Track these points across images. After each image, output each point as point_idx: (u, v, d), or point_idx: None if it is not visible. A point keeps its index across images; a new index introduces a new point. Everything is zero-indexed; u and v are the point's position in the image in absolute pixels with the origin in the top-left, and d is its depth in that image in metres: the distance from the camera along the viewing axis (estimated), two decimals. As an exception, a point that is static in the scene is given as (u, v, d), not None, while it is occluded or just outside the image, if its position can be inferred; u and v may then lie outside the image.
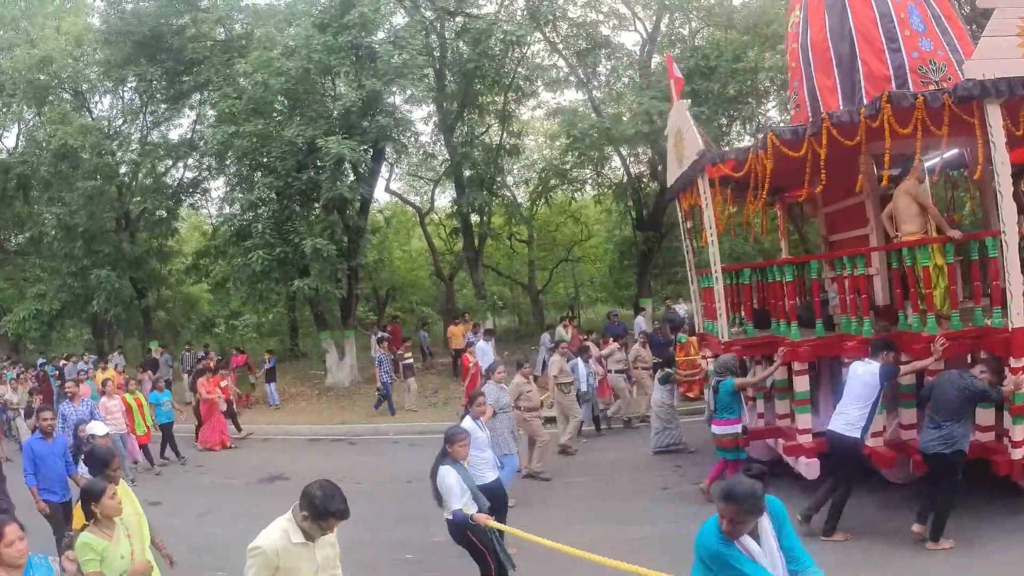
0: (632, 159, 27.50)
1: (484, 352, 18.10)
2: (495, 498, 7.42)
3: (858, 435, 7.81)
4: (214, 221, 29.34)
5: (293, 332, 30.70)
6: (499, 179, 26.90)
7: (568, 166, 26.76)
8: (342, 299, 23.80)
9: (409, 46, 20.85)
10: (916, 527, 7.42)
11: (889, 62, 9.81)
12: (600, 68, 25.95)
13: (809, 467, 8.99)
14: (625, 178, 27.56)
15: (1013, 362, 7.74)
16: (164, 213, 28.50)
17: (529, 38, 24.39)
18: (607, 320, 20.60)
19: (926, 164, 9.81)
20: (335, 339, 23.97)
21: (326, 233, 21.31)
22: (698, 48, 23.22)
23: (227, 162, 23.82)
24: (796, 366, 9.38)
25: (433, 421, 17.29)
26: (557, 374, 13.21)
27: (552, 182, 27.99)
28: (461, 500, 6.51)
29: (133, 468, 13.73)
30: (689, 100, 12.45)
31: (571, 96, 36.39)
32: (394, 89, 22.35)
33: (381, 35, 22.19)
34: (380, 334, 23.71)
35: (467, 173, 24.91)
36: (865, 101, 9.11)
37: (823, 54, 10.39)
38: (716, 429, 9.45)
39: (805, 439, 9.20)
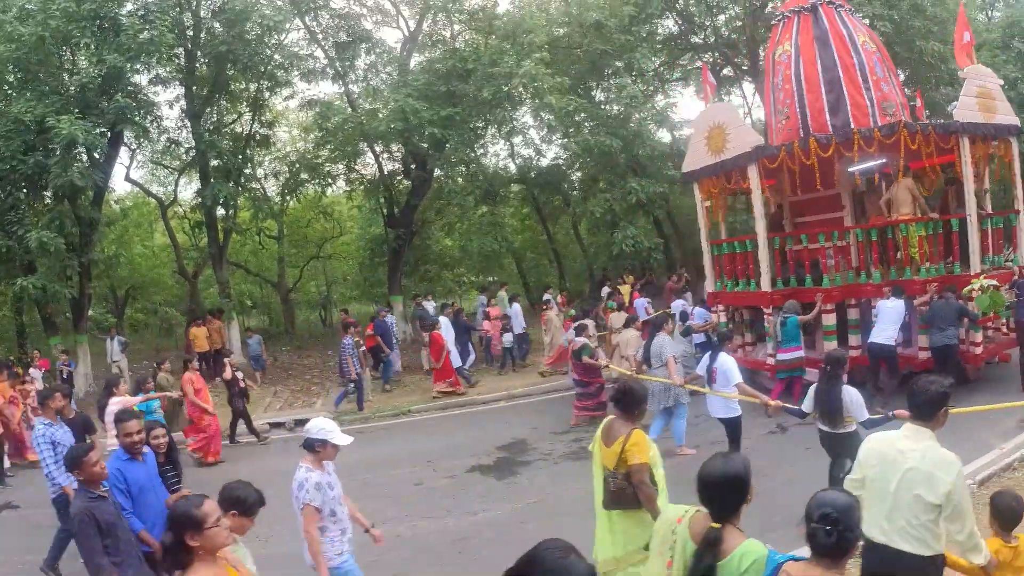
0: (386, 156, 27.29)
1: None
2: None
3: (893, 344, 11.95)
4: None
5: (21, 338, 27.61)
6: (248, 171, 25.68)
7: (321, 160, 26.22)
8: (73, 300, 21.53)
9: (159, 21, 19.20)
10: None
11: (865, 96, 13.52)
12: (359, 62, 25.62)
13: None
14: (378, 174, 27.27)
15: (975, 294, 11.97)
16: None
17: (288, 25, 23.53)
18: (377, 317, 20.05)
19: (860, 168, 14.12)
20: (67, 345, 21.78)
21: (55, 225, 19.20)
22: (457, 51, 23.38)
23: (-56, 140, 20.90)
24: (826, 307, 13.04)
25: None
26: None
27: (303, 176, 27.16)
28: None
29: None
30: (735, 103, 16.29)
31: (327, 88, 35.32)
32: (138, 67, 20.49)
33: (129, 6, 20.33)
34: (118, 337, 21.91)
35: (213, 163, 23.56)
36: (852, 123, 13.13)
37: (814, 81, 13.79)
38: (781, 356, 12.57)
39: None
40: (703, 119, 15.04)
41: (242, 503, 4.65)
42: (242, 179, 24.91)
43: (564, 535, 7.41)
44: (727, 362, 9.66)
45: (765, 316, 13.59)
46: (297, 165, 27.33)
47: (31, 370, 17.92)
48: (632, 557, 5.44)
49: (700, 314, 15.78)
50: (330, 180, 27.81)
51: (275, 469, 12.11)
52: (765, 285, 13.66)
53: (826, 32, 13.83)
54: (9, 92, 19.63)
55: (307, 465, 5.63)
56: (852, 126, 12.95)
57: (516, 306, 20.56)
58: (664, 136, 26.91)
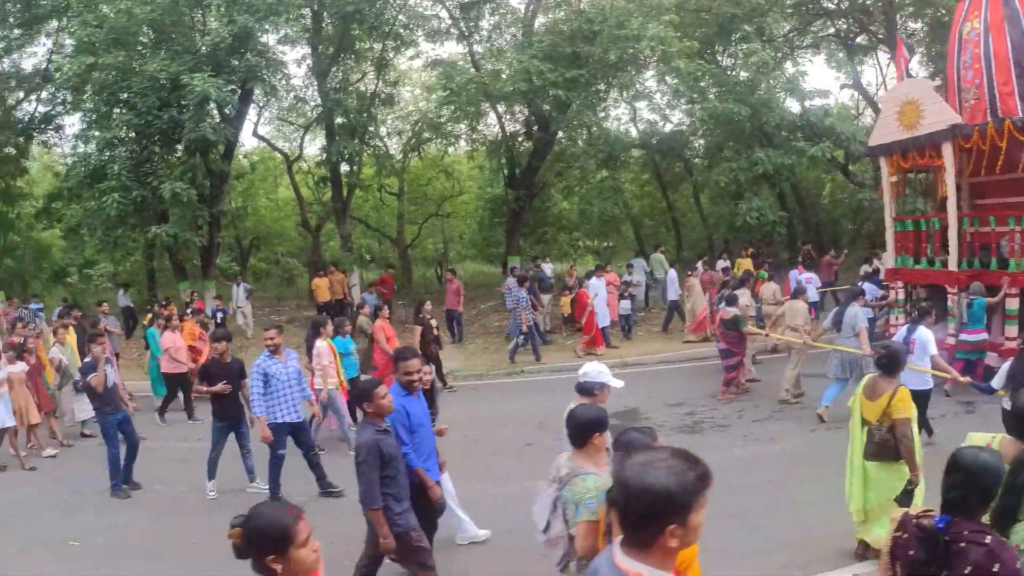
0: (508, 117, 27.16)
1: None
2: None
3: None
4: (68, 161, 27.35)
5: (151, 282, 29.13)
6: (372, 129, 26.04)
7: (443, 120, 26.10)
8: (203, 248, 22.57)
9: (287, -18, 19.69)
10: None
11: (1053, 80, 13.40)
12: (483, 23, 25.43)
13: None
14: (500, 135, 27.20)
15: None
16: (13, 150, 26.14)
17: (414, -15, 23.65)
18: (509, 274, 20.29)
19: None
20: (195, 290, 22.79)
21: (187, 177, 20.12)
22: (583, 12, 22.93)
23: (84, 96, 21.90)
24: (1013, 290, 12.67)
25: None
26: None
27: (426, 135, 27.41)
28: None
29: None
30: (937, 81, 16.32)
31: (451, 48, 35.40)
32: (267, 27, 21.08)
33: (258, -32, 20.84)
34: (244, 284, 22.75)
35: (339, 121, 24.03)
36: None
37: (1004, 64, 13.44)
38: (965, 336, 12.59)
39: (1014, 344, 11.69)
40: (895, 93, 14.99)
41: (603, 423, 4.68)
42: (366, 136, 25.30)
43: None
44: (925, 335, 9.89)
45: (949, 295, 13.53)
46: (420, 124, 27.51)
47: (188, 311, 18.75)
48: (887, 507, 5.96)
49: (870, 290, 15.66)
50: (452, 139, 27.96)
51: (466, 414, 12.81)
52: (952, 265, 13.61)
53: (1016, 11, 13.45)
54: (144, 52, 20.40)
55: None
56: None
57: (672, 272, 20.25)
58: (792, 106, 25.95)
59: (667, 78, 24.94)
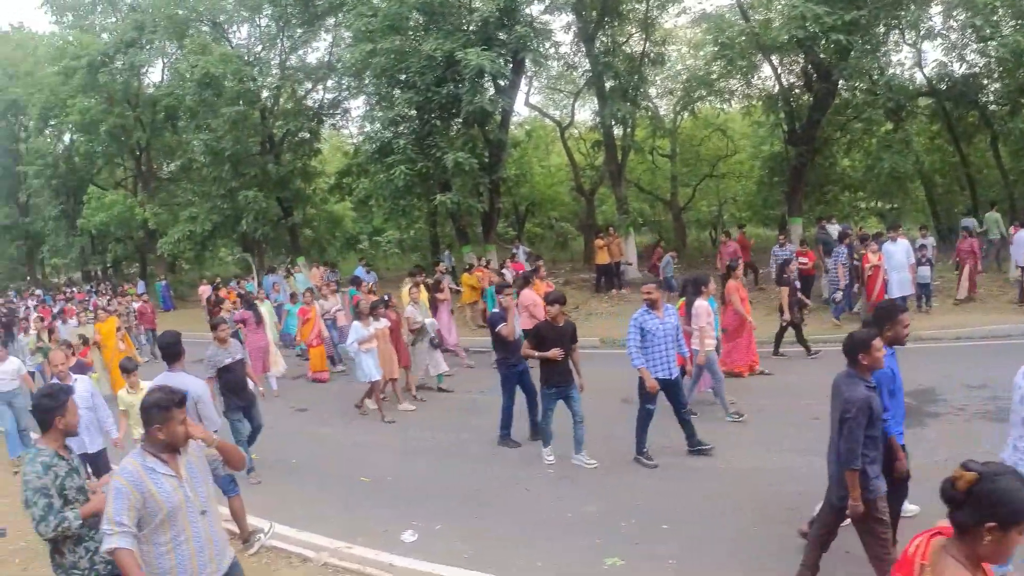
0: (784, 68, 25.77)
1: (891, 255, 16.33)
2: None
3: None
4: (355, 141, 30.05)
5: (434, 248, 31.14)
6: (642, 90, 25.82)
7: (715, 76, 25.09)
8: (484, 213, 23.89)
9: (548, -48, 20.02)
10: None
11: None
12: (750, -30, 24.21)
13: None
14: (776, 88, 25.91)
15: None
16: (307, 134, 29.59)
17: (675, -62, 23.08)
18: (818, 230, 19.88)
19: None
20: (477, 254, 23.99)
21: (467, 147, 21.25)
22: (860, -55, 21.27)
23: (365, 81, 24.01)
24: None
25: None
26: None
27: (697, 93, 26.52)
28: None
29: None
30: None
31: (718, 1, 34.19)
32: (532, -2, 21.59)
33: (519, -58, 21.35)
34: (522, 247, 23.64)
35: (609, 84, 24.15)
36: None
37: None
38: None
39: None
40: None
41: None
42: (638, 98, 25.20)
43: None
44: None
45: None
46: (690, 82, 26.72)
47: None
48: None
49: None
50: (725, 96, 26.95)
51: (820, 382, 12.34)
52: None
53: None
54: (416, 35, 21.88)
55: None
56: None
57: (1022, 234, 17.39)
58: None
59: (955, 13, 22.52)
